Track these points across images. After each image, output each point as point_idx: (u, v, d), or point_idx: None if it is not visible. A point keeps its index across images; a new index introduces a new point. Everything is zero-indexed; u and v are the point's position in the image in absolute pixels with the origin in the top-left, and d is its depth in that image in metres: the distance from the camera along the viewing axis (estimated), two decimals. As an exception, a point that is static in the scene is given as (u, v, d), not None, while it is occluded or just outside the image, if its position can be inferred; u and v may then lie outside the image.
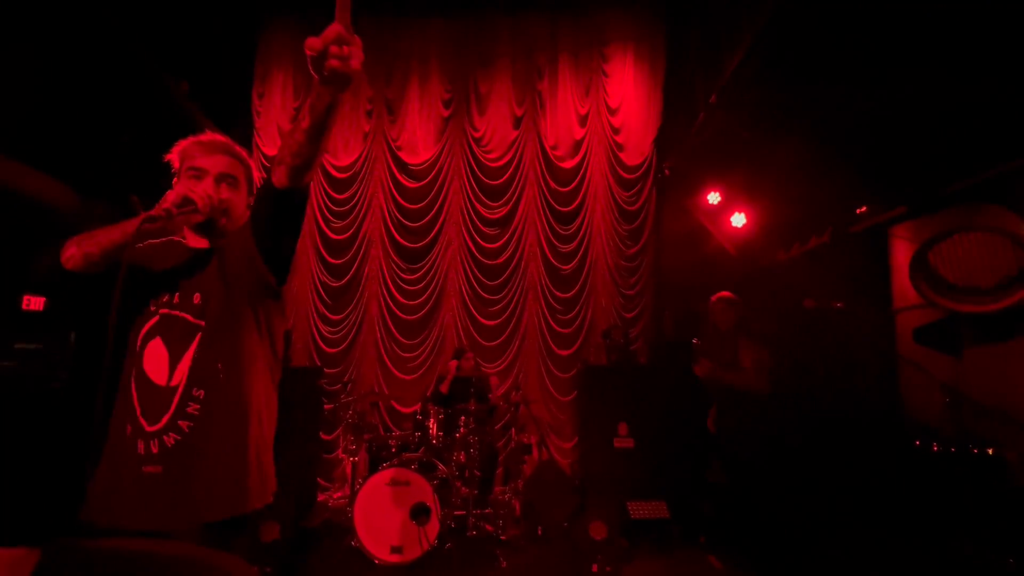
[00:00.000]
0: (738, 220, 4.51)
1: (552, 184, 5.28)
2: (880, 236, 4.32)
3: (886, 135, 3.26)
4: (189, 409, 1.22)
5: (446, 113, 5.39)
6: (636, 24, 5.32)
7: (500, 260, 5.22)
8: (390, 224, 5.30)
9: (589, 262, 5.18)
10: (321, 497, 4.61)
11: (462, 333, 5.12)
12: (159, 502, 1.17)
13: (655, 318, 5.13)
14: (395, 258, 5.26)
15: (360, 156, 5.37)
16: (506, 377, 5.05)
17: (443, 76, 5.42)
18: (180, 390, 1.22)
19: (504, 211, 5.27)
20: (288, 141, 1.14)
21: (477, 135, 5.37)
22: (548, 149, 5.32)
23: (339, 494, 4.61)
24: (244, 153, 1.42)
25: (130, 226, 1.20)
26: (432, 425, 3.71)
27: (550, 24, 5.39)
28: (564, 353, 5.07)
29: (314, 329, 5.15)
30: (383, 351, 5.12)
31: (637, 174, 5.21)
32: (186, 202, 1.20)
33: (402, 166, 5.36)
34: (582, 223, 5.22)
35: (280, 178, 1.16)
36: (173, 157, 1.37)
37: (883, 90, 3.12)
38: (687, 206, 5.03)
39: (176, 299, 1.29)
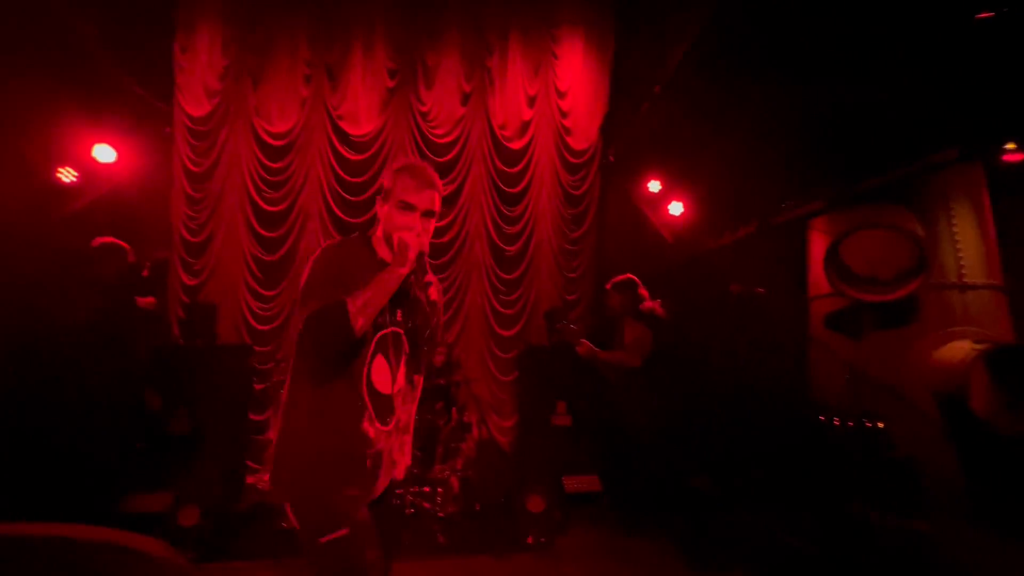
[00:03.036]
0: (676, 209, 4.71)
1: (499, 164, 5.25)
2: (801, 228, 4.68)
3: (810, 133, 3.51)
4: (405, 407, 1.53)
5: (391, 84, 5.19)
6: (586, 8, 5.34)
7: (445, 239, 5.15)
8: (329, 197, 5.07)
9: (534, 244, 5.23)
10: (251, 479, 4.42)
11: (404, 312, 5.02)
12: (384, 479, 1.46)
13: (596, 301, 5.28)
14: (334, 233, 5.04)
15: (297, 123, 5.06)
16: (448, 356, 5.03)
17: (388, 45, 5.19)
18: (403, 395, 1.50)
19: (450, 189, 5.18)
20: None
21: (424, 109, 5.22)
22: (496, 128, 5.26)
23: (268, 476, 4.44)
24: (440, 183, 1.58)
25: (392, 284, 1.38)
26: (371, 404, 3.65)
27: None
28: (506, 334, 5.11)
29: (244, 305, 4.86)
30: (320, 329, 4.92)
31: (583, 159, 5.29)
32: (419, 258, 1.44)
33: (343, 136, 5.12)
34: (528, 205, 5.24)
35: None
36: (385, 178, 1.55)
37: (807, 92, 3.34)
38: (629, 193, 5.18)
39: (398, 316, 1.50)
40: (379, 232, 1.54)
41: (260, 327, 4.85)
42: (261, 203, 4.98)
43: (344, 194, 5.08)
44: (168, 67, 4.88)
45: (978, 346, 3.81)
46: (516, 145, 5.27)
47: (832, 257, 4.37)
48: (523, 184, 5.25)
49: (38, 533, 0.44)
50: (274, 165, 5.02)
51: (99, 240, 3.16)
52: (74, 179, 4.06)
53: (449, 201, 5.19)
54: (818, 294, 4.74)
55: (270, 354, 4.75)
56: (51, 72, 3.43)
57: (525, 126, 5.29)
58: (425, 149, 5.18)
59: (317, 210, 5.06)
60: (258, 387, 4.35)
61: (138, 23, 4.56)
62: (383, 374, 1.43)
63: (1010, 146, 3.60)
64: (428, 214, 1.50)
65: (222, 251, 4.89)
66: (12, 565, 0.41)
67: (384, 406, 1.43)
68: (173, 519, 2.88)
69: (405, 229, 1.43)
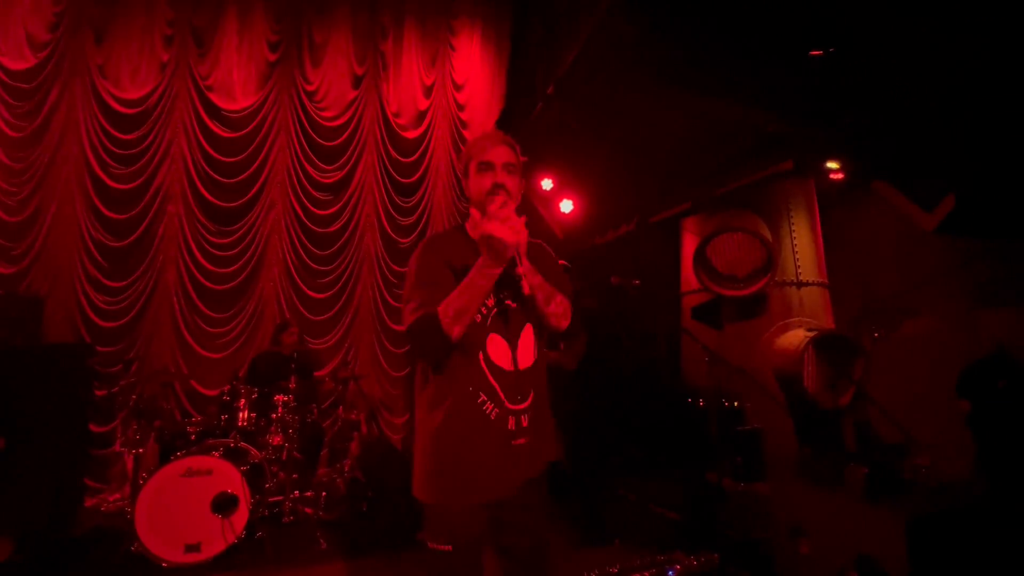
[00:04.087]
0: (566, 206, 4.91)
1: (393, 153, 5.06)
2: (676, 230, 5.15)
3: (684, 140, 3.87)
4: (536, 387, 1.44)
5: (272, 57, 4.75)
6: (484, 2, 5.35)
7: (332, 228, 4.84)
8: (195, 177, 4.50)
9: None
10: (90, 502, 3.79)
11: (285, 306, 4.64)
12: (520, 469, 1.38)
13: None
14: (201, 217, 4.49)
15: (155, 90, 4.42)
16: (335, 353, 4.75)
17: (269, 13, 4.75)
18: (530, 373, 1.41)
19: (339, 176, 4.89)
20: None
21: (310, 88, 4.85)
22: (390, 116, 5.07)
23: (116, 495, 3.84)
24: (514, 143, 1.51)
25: (485, 285, 1.28)
26: (243, 407, 3.31)
27: (396, -19, 5.11)
28: (399, 328, 4.95)
29: (82, 297, 4.13)
30: (182, 325, 4.36)
31: (479, 153, 5.29)
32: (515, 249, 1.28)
33: (213, 110, 4.57)
34: (423, 196, 5.13)
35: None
36: (463, 158, 1.51)
37: (684, 102, 3.69)
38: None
39: (507, 293, 1.40)
40: (471, 217, 1.49)
41: (104, 323, 4.16)
42: (106, 179, 4.27)
43: (214, 174, 4.54)
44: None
45: (809, 334, 4.51)
46: (411, 134, 5.13)
47: (700, 256, 4.89)
48: (418, 174, 5.12)
49: None
50: (124, 136, 4.33)
51: None
52: None
53: (338, 188, 4.90)
54: (688, 289, 5.27)
55: (117, 355, 4.09)
56: None
57: (421, 116, 5.17)
58: (311, 131, 4.83)
59: (180, 191, 4.46)
60: (100, 393, 3.73)
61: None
62: (502, 352, 1.39)
63: (833, 165, 4.30)
64: (508, 167, 1.43)
65: (52, 234, 4.11)
66: None
67: (510, 385, 1.38)
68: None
69: (492, 192, 1.37)
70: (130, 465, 3.48)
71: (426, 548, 1.34)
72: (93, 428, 3.92)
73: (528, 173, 5.14)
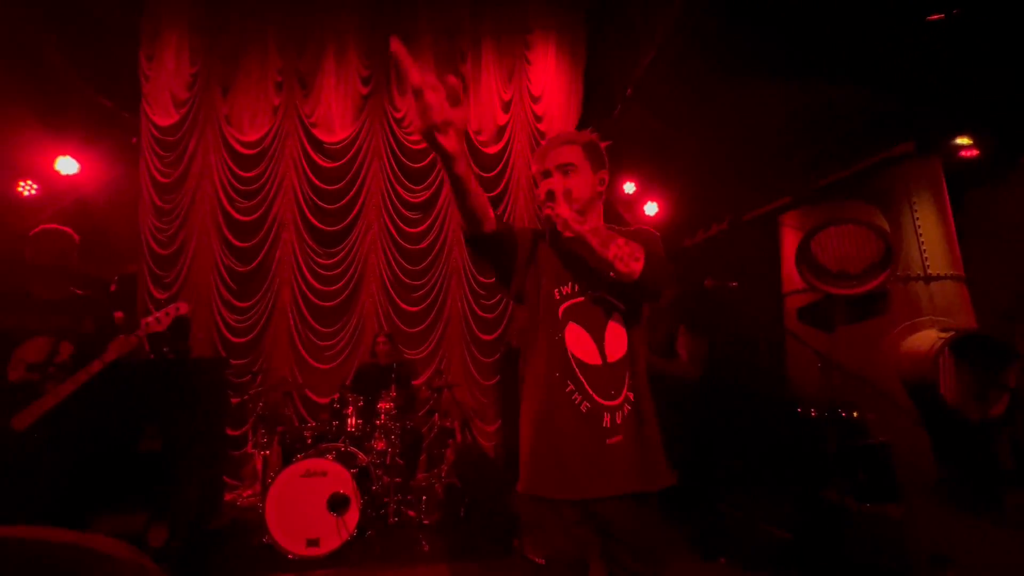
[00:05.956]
0: (651, 209, 4.77)
1: (476, 169, 5.24)
2: (774, 225, 4.79)
3: (778, 131, 3.60)
4: (631, 382, 1.36)
5: (365, 91, 5.17)
6: (557, 13, 5.40)
7: (423, 245, 5.12)
8: (304, 205, 5.00)
9: (512, 248, 5.22)
10: (228, 497, 4.30)
11: (383, 319, 4.98)
12: (617, 471, 1.29)
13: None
14: (310, 241, 4.98)
15: (269, 131, 5.00)
16: (429, 363, 4.99)
17: (360, 52, 5.17)
18: (621, 366, 1.35)
19: (427, 195, 5.17)
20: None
21: (398, 115, 5.20)
22: (472, 134, 5.27)
23: (249, 492, 4.33)
24: (583, 136, 1.50)
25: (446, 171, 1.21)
26: (351, 413, 3.59)
27: (472, 5, 5.33)
28: (488, 338, 5.10)
29: (218, 317, 4.75)
30: (297, 339, 4.84)
31: (559, 162, 5.32)
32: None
33: (317, 144, 5.07)
34: (506, 209, 5.25)
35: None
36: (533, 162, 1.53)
37: (774, 91, 3.45)
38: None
39: (585, 284, 1.39)
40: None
41: (235, 339, 4.74)
42: (233, 213, 4.89)
43: (319, 202, 5.02)
44: (134, 76, 4.78)
45: (944, 335, 3.94)
46: (492, 150, 5.29)
47: (803, 253, 4.48)
48: (500, 188, 5.26)
49: None
50: (246, 174, 4.93)
51: (40, 227, 2.73)
52: (34, 192, 3.93)
53: (426, 207, 5.18)
54: (792, 289, 4.85)
55: (246, 367, 4.64)
56: (7, 81, 3.32)
57: (500, 131, 5.32)
58: (401, 155, 5.16)
59: (292, 219, 4.99)
60: (234, 401, 4.24)
61: (101, 31, 4.46)
62: (584, 343, 1.35)
63: (964, 141, 3.76)
64: (563, 167, 1.43)
65: (193, 263, 4.78)
66: None
67: (599, 379, 1.32)
68: (143, 540, 2.78)
69: (545, 200, 1.40)
70: (260, 465, 3.92)
71: (524, 557, 1.34)
72: (229, 432, 4.47)
73: (610, 178, 5.10)
